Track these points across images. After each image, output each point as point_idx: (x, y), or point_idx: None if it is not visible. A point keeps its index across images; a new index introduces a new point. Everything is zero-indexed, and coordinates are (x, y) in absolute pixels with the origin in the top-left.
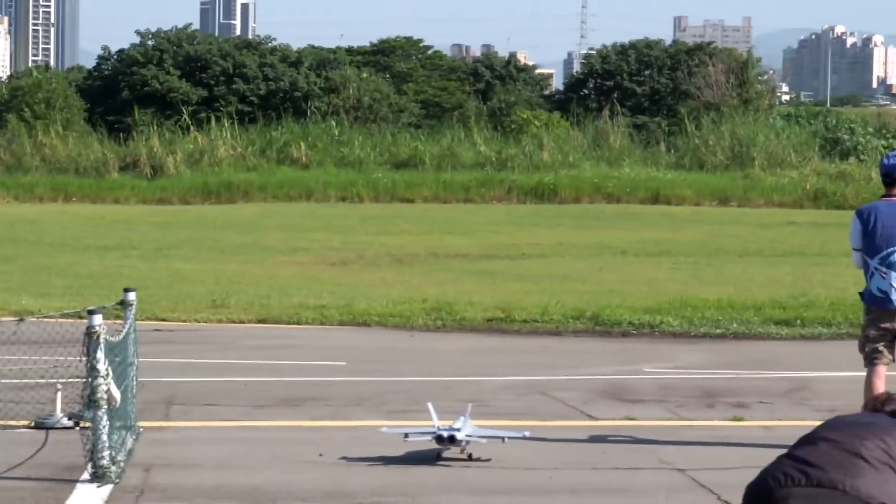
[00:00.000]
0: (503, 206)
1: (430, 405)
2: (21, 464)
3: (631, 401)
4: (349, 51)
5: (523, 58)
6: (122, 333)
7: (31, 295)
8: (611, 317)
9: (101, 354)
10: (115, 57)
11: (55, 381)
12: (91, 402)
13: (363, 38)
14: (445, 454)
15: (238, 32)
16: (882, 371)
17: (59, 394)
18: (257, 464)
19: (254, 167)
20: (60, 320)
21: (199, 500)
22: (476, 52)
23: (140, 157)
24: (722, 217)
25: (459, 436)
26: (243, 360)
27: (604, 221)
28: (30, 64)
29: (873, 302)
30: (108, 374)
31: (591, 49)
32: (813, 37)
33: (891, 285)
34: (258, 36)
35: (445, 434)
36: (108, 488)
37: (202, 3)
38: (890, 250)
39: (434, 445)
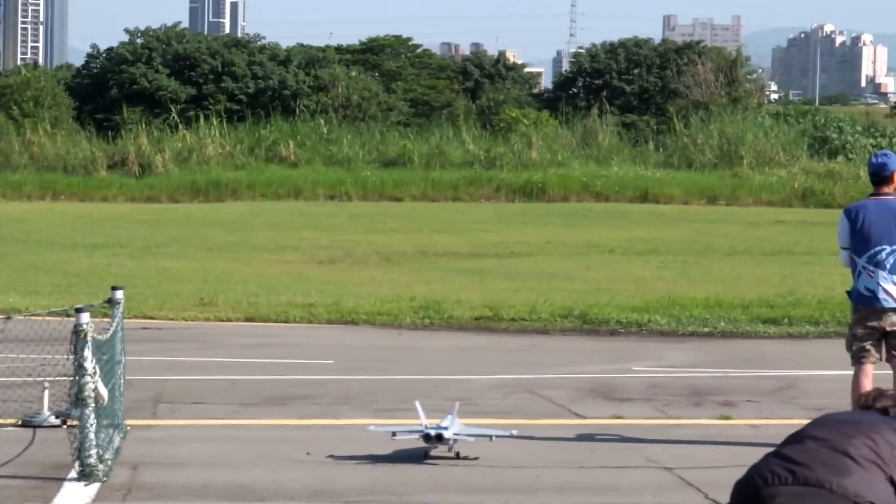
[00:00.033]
0: (492, 205)
1: (417, 403)
2: (8, 462)
3: (619, 399)
4: (338, 49)
5: (512, 56)
6: (110, 332)
7: (18, 293)
8: (599, 315)
9: (88, 353)
10: (104, 55)
11: (42, 379)
12: (78, 400)
13: (352, 36)
14: (433, 453)
15: (227, 31)
16: (869, 370)
17: (47, 392)
18: (245, 462)
19: (242, 165)
20: (48, 318)
21: (186, 498)
22: (465, 50)
23: (128, 156)
24: (710, 216)
25: (447, 434)
26: (231, 358)
27: (592, 220)
28: (18, 62)
29: (861, 301)
30: (95, 373)
31: (581, 48)
32: (802, 35)
33: (878, 284)
34: (247, 34)
35: (433, 432)
36: (95, 487)
37: (191, 2)
38: (878, 249)
39: (422, 444)
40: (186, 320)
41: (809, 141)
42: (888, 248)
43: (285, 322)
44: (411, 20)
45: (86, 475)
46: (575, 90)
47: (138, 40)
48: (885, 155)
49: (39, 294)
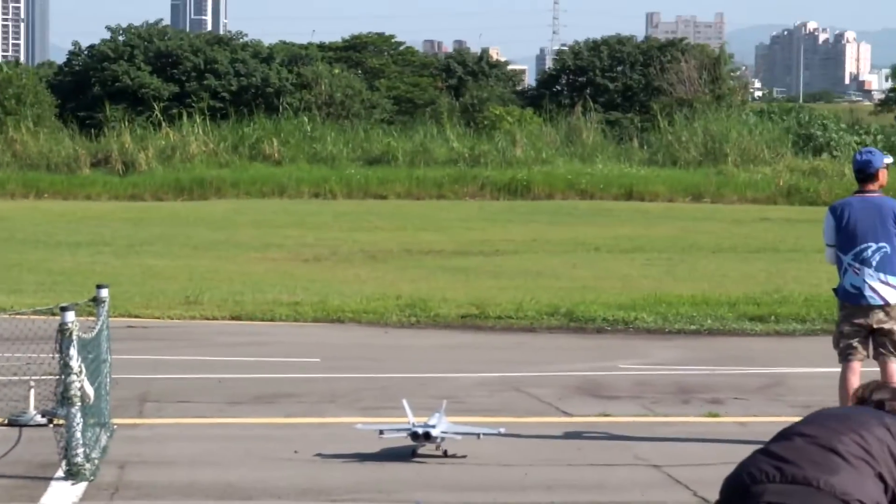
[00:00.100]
0: (476, 203)
1: (404, 402)
2: None
3: (606, 397)
4: (321, 46)
5: (495, 54)
6: (95, 330)
7: (2, 292)
8: (585, 313)
9: (74, 351)
10: (86, 52)
11: (28, 378)
12: (64, 399)
13: (335, 33)
14: (420, 451)
15: (209, 28)
16: (856, 367)
17: (33, 391)
18: (231, 461)
19: (226, 163)
20: (33, 317)
21: (173, 497)
22: (448, 48)
23: (112, 154)
24: (695, 213)
25: (434, 432)
26: (217, 356)
27: (577, 218)
28: (0, 59)
29: (847, 298)
30: (81, 371)
31: (564, 45)
32: (785, 33)
33: (864, 281)
34: (229, 32)
35: (420, 431)
36: (82, 486)
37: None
38: (863, 246)
39: (409, 442)
40: (172, 319)
41: (794, 138)
42: (874, 246)
43: (271, 320)
44: (394, 17)
45: (73, 474)
46: (558, 88)
47: (120, 38)
48: (870, 152)
49: (24, 293)
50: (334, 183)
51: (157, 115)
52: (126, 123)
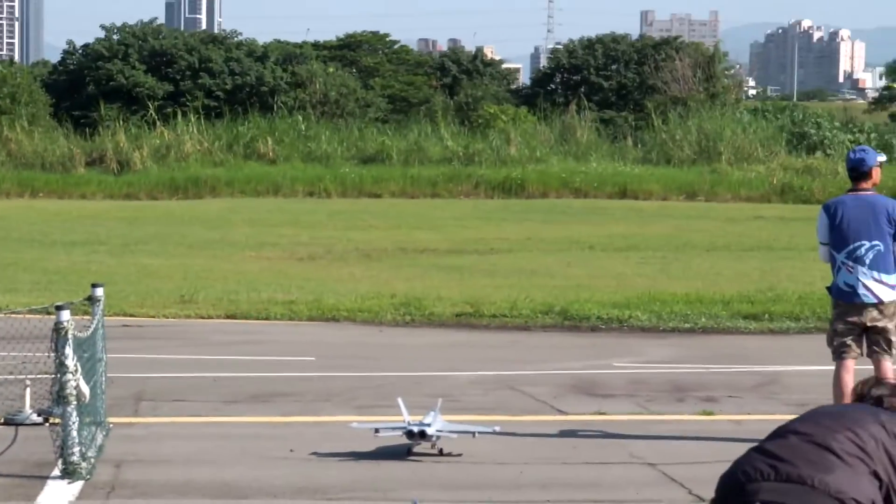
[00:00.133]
0: (471, 201)
1: (400, 400)
2: None
3: (601, 395)
4: (315, 45)
5: (490, 52)
6: (91, 329)
7: None
8: (579, 311)
9: (69, 350)
10: (80, 51)
11: (24, 377)
12: (60, 398)
13: (329, 32)
14: (416, 449)
15: (203, 27)
16: (850, 365)
17: (28, 390)
18: (227, 459)
19: (221, 162)
20: (28, 316)
21: (169, 495)
22: (442, 46)
23: (106, 153)
24: (689, 212)
25: (430, 431)
26: (212, 355)
27: (571, 216)
28: None
29: (841, 296)
30: (76, 370)
31: (558, 43)
32: (779, 31)
33: (858, 279)
34: (224, 30)
35: (416, 429)
36: (78, 484)
37: None
38: (857, 244)
39: (404, 440)
40: (167, 317)
41: (788, 137)
42: (867, 244)
43: (266, 319)
44: (388, 16)
45: (69, 473)
46: (553, 86)
47: (114, 36)
48: (864, 150)
49: (19, 292)
50: (329, 182)
51: (151, 114)
52: (121, 122)
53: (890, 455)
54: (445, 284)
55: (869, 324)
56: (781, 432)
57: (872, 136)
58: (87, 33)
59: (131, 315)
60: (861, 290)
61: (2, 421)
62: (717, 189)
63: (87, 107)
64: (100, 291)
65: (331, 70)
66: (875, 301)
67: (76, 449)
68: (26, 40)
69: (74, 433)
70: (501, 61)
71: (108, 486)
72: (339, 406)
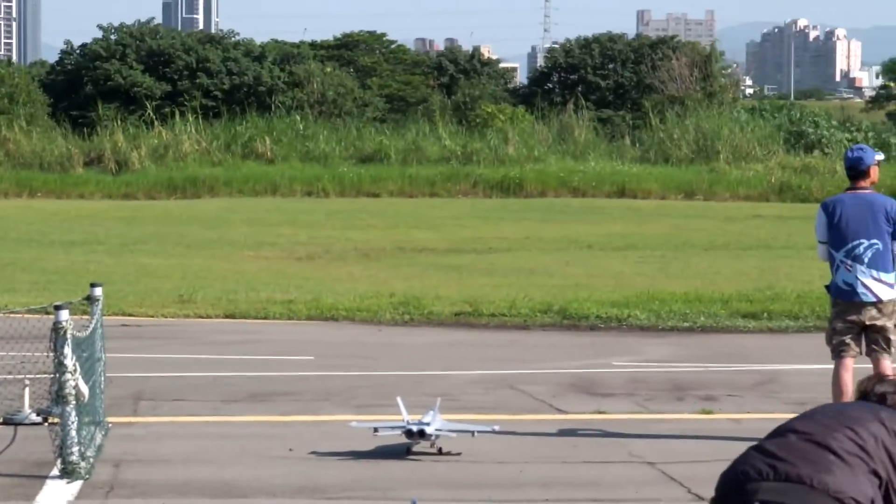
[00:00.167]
0: (469, 201)
1: (399, 399)
2: None
3: (600, 394)
4: (313, 45)
5: (487, 52)
6: (89, 329)
7: None
8: (578, 310)
9: (68, 350)
10: (78, 52)
11: (23, 376)
12: (59, 397)
13: (326, 32)
14: (415, 448)
15: (201, 27)
16: (849, 364)
17: (27, 390)
18: (227, 459)
19: (219, 162)
20: (27, 316)
21: (168, 495)
22: (440, 46)
23: (104, 152)
24: (687, 211)
25: (429, 430)
26: (211, 355)
27: (570, 215)
28: None
29: (839, 295)
30: (75, 370)
31: (555, 43)
32: (776, 30)
33: (856, 278)
34: (221, 30)
35: (415, 428)
36: (77, 484)
37: None
38: (855, 243)
39: (404, 440)
40: (166, 317)
41: (785, 135)
42: (866, 242)
43: (265, 318)
44: (385, 16)
45: (68, 473)
46: (550, 85)
47: (112, 36)
48: (861, 149)
49: (18, 291)
50: (327, 181)
51: (149, 114)
52: (119, 122)
53: (890, 453)
54: (444, 284)
55: (868, 322)
56: (781, 431)
57: (870, 134)
58: (84, 33)
59: (130, 315)
60: (860, 289)
61: (1, 420)
62: (715, 188)
63: (84, 107)
64: (98, 291)
65: (328, 70)
66: (874, 299)
67: (75, 448)
68: (24, 40)
69: (73, 433)
70: (498, 61)
71: (107, 485)
72: (338, 405)
